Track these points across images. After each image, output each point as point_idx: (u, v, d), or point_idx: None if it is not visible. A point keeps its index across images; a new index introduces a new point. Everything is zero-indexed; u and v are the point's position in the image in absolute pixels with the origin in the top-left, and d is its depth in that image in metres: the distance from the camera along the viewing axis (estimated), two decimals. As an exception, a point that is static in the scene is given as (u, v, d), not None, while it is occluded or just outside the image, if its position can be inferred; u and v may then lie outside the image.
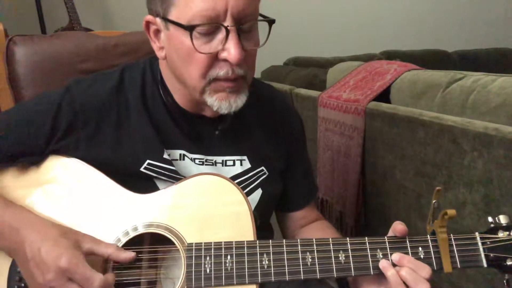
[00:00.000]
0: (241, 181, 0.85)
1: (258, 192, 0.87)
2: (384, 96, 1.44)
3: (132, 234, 0.75)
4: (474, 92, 1.11)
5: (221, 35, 0.72)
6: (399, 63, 1.58)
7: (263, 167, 0.89)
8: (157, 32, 0.79)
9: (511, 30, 3.89)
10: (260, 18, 0.76)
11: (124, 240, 0.74)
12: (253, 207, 0.84)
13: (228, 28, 0.70)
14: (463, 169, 1.06)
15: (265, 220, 0.93)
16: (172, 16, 0.73)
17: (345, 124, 1.55)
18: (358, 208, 1.53)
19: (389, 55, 3.08)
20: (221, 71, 0.74)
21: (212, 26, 0.71)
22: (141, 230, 0.75)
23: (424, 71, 1.38)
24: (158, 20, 0.76)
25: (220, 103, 0.76)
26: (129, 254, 0.72)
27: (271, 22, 0.77)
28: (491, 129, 0.97)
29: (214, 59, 0.73)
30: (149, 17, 0.78)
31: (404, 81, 1.40)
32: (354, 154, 1.50)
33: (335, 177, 1.64)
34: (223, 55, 0.72)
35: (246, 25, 0.73)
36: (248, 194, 0.84)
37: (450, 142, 1.09)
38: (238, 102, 0.77)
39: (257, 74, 2.74)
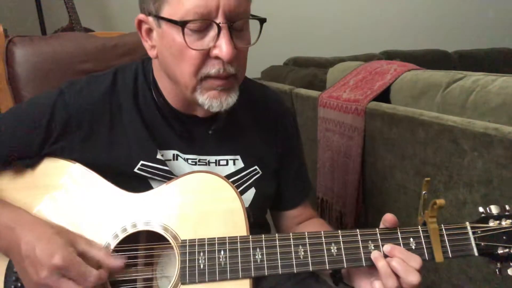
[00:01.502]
0: (234, 181, 0.86)
1: (252, 191, 0.88)
2: (384, 96, 1.44)
3: (127, 233, 0.75)
4: (474, 92, 1.11)
5: (213, 32, 0.72)
6: (399, 63, 1.58)
7: (256, 167, 0.89)
8: (149, 31, 0.79)
9: (511, 30, 3.89)
10: (251, 16, 0.77)
11: (119, 238, 0.75)
12: (246, 206, 0.84)
13: (220, 25, 0.71)
14: (463, 169, 1.06)
15: (260, 218, 0.94)
16: (165, 13, 0.73)
17: (345, 124, 1.55)
18: (358, 208, 1.53)
19: (389, 55, 3.09)
20: (212, 69, 0.74)
21: (204, 23, 0.72)
22: (136, 229, 0.75)
23: (424, 71, 1.38)
24: (150, 18, 0.77)
25: (211, 101, 0.76)
26: (117, 262, 0.72)
27: (262, 21, 0.78)
28: (491, 129, 0.97)
29: (206, 56, 0.74)
30: (141, 16, 0.78)
31: (404, 81, 1.40)
32: (354, 154, 1.50)
33: (335, 177, 1.64)
34: (215, 52, 0.73)
35: (237, 23, 0.73)
36: (241, 193, 0.85)
37: (450, 142, 1.09)
38: (229, 100, 0.78)
39: (257, 74, 2.75)
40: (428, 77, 1.30)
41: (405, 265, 0.69)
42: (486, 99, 1.06)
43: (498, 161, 0.96)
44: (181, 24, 0.71)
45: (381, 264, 0.70)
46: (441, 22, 3.79)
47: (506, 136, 0.94)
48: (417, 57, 3.13)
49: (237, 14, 0.72)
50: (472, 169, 1.03)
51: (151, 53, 0.80)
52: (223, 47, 0.71)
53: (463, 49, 3.51)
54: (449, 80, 1.20)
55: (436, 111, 1.20)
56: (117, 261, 0.72)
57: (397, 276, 0.69)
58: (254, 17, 0.77)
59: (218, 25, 0.71)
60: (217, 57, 0.73)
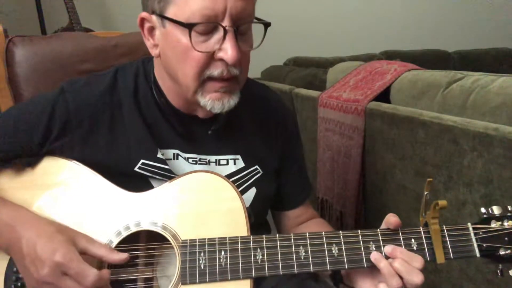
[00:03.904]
0: (235, 180, 0.86)
1: (252, 191, 0.88)
2: (384, 96, 1.44)
3: (127, 232, 0.75)
4: (474, 92, 1.10)
5: (218, 35, 0.72)
6: (399, 63, 1.58)
7: (257, 166, 0.89)
8: (152, 29, 0.79)
9: (511, 30, 3.89)
10: (256, 20, 0.77)
11: (122, 236, 0.75)
12: (247, 205, 0.85)
13: (226, 28, 0.71)
14: (463, 169, 1.06)
15: (261, 218, 0.94)
16: (170, 13, 0.73)
17: (345, 124, 1.55)
18: (358, 208, 1.53)
19: (389, 55, 3.08)
20: (215, 70, 0.74)
21: (210, 25, 0.72)
22: (136, 228, 0.75)
23: (424, 71, 1.38)
24: (153, 17, 0.76)
25: (214, 103, 0.77)
26: (121, 256, 0.71)
27: (266, 25, 0.78)
28: (491, 129, 0.97)
29: (210, 58, 0.74)
30: (144, 14, 0.78)
31: (404, 81, 1.40)
32: (354, 154, 1.50)
33: (335, 177, 1.64)
34: (220, 54, 0.73)
35: (242, 27, 0.74)
36: (242, 193, 0.85)
37: (450, 142, 1.09)
38: (231, 102, 0.78)
39: (257, 74, 2.75)
40: (428, 77, 1.30)
41: (408, 265, 0.69)
42: (486, 99, 1.06)
43: (498, 161, 0.96)
44: (188, 27, 0.71)
45: (382, 264, 0.70)
46: (441, 22, 3.79)
47: (506, 136, 0.94)
48: (417, 57, 3.13)
49: (243, 17, 0.73)
50: (472, 169, 1.03)
51: (153, 52, 0.80)
52: (228, 51, 0.72)
53: (463, 49, 3.51)
54: (449, 80, 1.20)
55: (436, 111, 1.20)
56: (120, 256, 0.71)
57: (399, 276, 0.69)
58: (259, 21, 0.77)
59: (224, 28, 0.71)
60: (221, 59, 0.73)
